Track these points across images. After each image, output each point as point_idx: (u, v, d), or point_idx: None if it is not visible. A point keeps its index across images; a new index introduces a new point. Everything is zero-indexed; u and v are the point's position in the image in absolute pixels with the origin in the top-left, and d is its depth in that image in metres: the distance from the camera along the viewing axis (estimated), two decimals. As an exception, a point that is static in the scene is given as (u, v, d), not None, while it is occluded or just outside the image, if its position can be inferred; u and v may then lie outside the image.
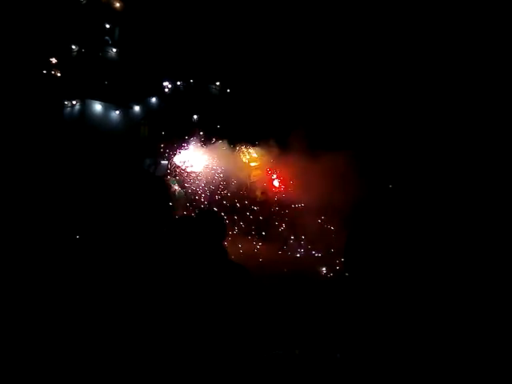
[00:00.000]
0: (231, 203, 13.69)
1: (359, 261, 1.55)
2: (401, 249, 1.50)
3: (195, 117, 29.01)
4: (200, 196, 14.73)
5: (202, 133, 16.14)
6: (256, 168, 14.59)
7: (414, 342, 1.49)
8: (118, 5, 27.80)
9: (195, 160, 14.82)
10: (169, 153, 19.22)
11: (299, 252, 12.57)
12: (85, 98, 26.04)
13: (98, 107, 26.66)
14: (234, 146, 14.75)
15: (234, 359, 1.65)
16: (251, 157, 14.70)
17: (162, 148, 20.32)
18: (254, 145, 14.98)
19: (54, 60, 27.81)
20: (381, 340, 1.51)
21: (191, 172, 14.60)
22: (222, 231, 3.64)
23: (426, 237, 1.64)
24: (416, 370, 1.40)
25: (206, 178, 14.94)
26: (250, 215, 13.41)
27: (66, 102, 27.10)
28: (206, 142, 16.12)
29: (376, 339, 1.51)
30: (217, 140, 15.13)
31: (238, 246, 11.51)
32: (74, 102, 26.79)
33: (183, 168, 14.74)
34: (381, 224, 1.56)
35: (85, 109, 26.32)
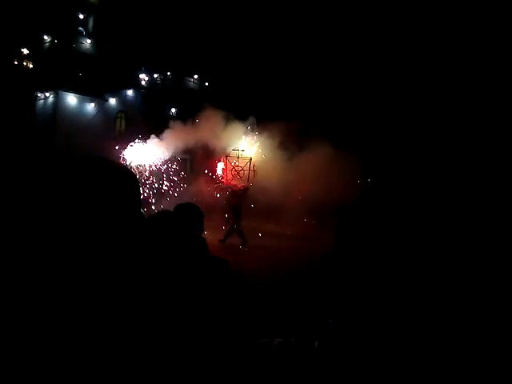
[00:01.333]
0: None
1: (349, 247, 1.45)
2: (394, 240, 1.41)
3: (173, 110, 28.65)
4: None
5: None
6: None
7: (403, 331, 1.41)
8: (92, -6, 27.10)
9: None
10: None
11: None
12: (58, 89, 25.33)
13: (72, 99, 26.00)
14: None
15: (227, 350, 1.56)
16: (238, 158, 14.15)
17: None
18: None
19: (25, 51, 27.02)
20: (360, 329, 1.43)
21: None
22: (199, 223, 3.55)
23: (418, 228, 1.55)
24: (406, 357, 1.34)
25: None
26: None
27: (38, 94, 26.34)
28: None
29: (355, 328, 1.43)
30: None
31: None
32: (47, 94, 26.06)
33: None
34: (374, 213, 1.46)
35: (58, 101, 25.63)
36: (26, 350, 1.19)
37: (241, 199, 12.07)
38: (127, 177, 1.42)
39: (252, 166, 13.56)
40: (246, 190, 12.40)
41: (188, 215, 3.45)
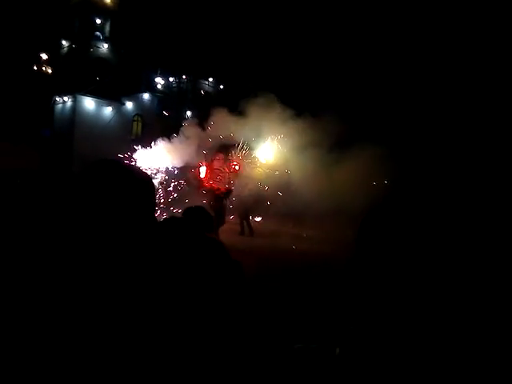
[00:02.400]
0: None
1: (371, 252, 1.41)
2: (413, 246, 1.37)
3: (189, 113, 28.83)
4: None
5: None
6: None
7: (416, 340, 1.38)
8: (108, 0, 27.45)
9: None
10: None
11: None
12: (76, 93, 25.72)
13: (89, 103, 26.38)
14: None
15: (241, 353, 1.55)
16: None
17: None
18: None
19: (44, 56, 27.50)
20: (382, 336, 1.40)
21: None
22: (210, 225, 3.58)
23: (439, 236, 1.51)
24: (416, 369, 1.31)
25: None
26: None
27: (57, 99, 26.79)
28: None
29: (377, 335, 1.40)
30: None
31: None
32: (65, 99, 26.49)
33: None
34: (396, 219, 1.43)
35: (76, 105, 26.03)
36: (26, 348, 1.18)
37: (222, 202, 11.94)
38: (141, 180, 1.41)
39: (233, 166, 13.53)
40: (228, 192, 12.29)
41: (198, 218, 3.48)
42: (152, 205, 1.39)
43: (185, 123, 14.97)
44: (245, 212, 13.61)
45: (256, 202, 13.33)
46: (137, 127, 28.57)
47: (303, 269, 8.10)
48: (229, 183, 13.25)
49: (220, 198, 11.94)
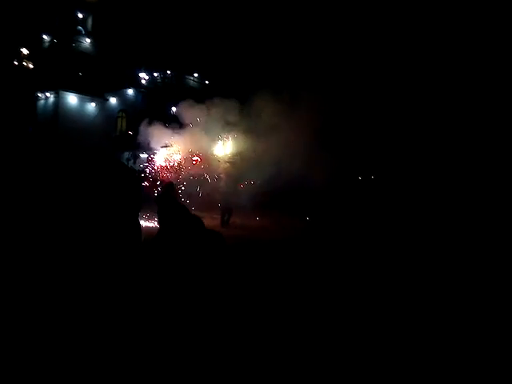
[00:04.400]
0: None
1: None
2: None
3: (174, 109, 28.57)
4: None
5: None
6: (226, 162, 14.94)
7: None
8: (91, -6, 26.98)
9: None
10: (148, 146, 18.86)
11: None
12: (59, 89, 25.30)
13: (72, 99, 25.97)
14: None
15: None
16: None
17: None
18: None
19: (25, 51, 26.96)
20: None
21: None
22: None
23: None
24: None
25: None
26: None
27: (39, 94, 26.30)
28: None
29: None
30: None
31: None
32: (47, 94, 26.02)
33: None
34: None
35: (59, 101, 25.60)
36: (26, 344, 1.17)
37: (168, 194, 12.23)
38: (127, 173, 1.41)
39: (183, 158, 14.14)
40: (169, 184, 12.62)
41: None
42: (138, 197, 1.38)
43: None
44: (226, 205, 14.08)
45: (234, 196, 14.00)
46: (121, 123, 28.25)
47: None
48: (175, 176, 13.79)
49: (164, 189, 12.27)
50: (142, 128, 14.41)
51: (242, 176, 14.32)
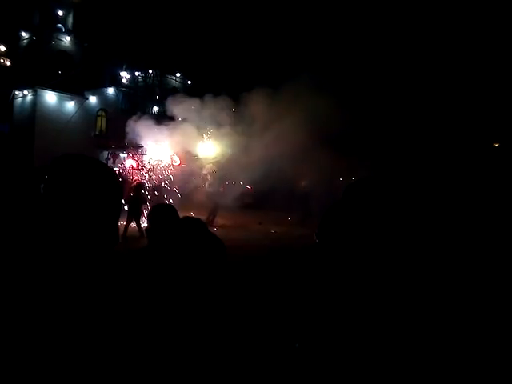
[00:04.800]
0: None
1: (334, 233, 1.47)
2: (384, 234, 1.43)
3: (155, 108, 28.39)
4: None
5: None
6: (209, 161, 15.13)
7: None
8: (71, -9, 26.61)
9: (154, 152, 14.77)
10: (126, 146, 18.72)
11: None
12: (36, 87, 24.83)
13: (51, 97, 25.51)
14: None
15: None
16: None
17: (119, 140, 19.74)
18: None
19: (2, 48, 26.42)
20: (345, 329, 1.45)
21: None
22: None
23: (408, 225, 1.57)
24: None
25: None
26: None
27: (16, 92, 25.78)
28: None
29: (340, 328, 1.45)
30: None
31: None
32: (25, 92, 25.52)
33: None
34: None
35: (37, 99, 25.13)
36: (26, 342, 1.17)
37: (136, 195, 12.20)
38: (107, 175, 1.41)
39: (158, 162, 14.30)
40: (139, 185, 12.66)
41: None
42: (118, 199, 1.39)
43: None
44: (213, 205, 14.28)
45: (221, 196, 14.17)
46: (101, 122, 27.90)
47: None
48: (146, 177, 14.08)
49: (132, 190, 12.25)
50: (132, 124, 14.31)
51: (225, 176, 14.46)
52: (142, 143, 14.59)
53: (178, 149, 14.19)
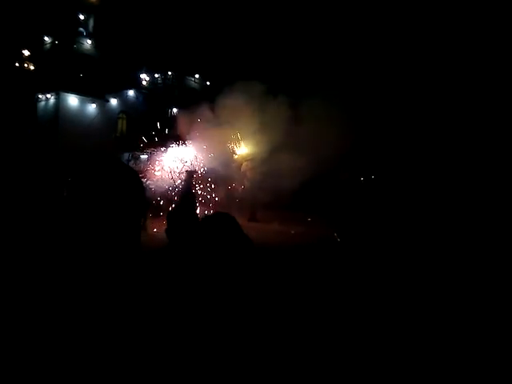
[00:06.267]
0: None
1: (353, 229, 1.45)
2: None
3: (175, 110, 28.59)
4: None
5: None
6: (246, 159, 15.55)
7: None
8: (92, -5, 26.98)
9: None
10: (149, 147, 18.92)
11: None
12: (59, 90, 25.29)
13: (73, 100, 25.95)
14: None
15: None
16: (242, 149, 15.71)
17: (140, 142, 19.93)
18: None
19: (26, 52, 26.95)
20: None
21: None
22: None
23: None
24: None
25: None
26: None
27: (39, 96, 26.30)
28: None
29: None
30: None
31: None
32: (48, 96, 26.01)
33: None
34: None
35: (60, 102, 25.58)
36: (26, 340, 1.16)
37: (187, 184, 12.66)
38: (130, 175, 1.40)
39: None
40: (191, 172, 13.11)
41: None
42: (141, 198, 1.38)
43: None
44: (253, 201, 15.24)
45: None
46: (122, 124, 28.24)
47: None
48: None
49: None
50: (181, 118, 14.80)
51: (264, 173, 14.83)
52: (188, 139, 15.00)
53: (218, 149, 14.57)
